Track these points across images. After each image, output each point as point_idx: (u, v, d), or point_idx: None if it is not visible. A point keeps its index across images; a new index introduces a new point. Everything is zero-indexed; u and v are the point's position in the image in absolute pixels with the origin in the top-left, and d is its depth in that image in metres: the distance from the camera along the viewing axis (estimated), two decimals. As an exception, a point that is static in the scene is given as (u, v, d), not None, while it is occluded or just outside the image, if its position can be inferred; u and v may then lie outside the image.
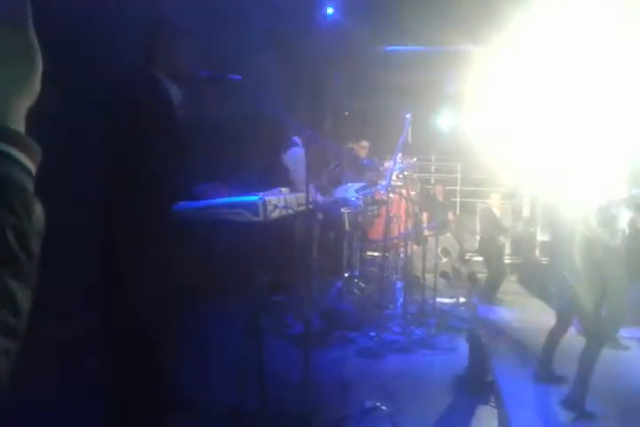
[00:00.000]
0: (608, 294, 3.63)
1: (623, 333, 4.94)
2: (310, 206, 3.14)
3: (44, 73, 0.74)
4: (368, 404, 3.36)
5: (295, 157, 5.48)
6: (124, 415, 2.69)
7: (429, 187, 9.90)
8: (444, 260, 8.33)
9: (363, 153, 7.22)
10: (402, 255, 6.48)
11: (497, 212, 7.92)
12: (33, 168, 0.70)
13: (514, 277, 8.88)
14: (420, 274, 6.39)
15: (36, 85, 0.73)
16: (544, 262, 8.03)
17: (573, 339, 4.19)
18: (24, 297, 0.66)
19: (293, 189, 5.11)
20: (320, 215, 5.27)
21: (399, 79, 8.55)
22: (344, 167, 6.88)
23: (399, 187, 5.95)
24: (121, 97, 2.83)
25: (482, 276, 8.14)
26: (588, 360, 3.59)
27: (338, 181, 6.48)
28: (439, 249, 7.44)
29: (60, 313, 3.40)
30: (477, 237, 8.54)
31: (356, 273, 6.09)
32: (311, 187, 3.29)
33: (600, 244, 3.59)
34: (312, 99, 6.84)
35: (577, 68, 5.07)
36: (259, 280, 2.94)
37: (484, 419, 3.54)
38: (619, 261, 3.61)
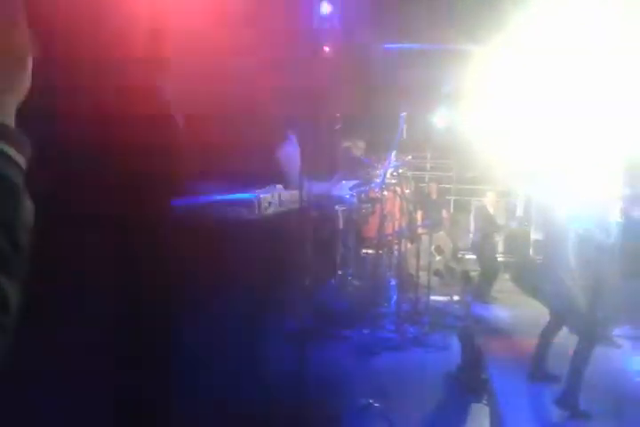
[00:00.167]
0: (601, 292, 3.64)
1: (616, 331, 4.96)
2: (304, 204, 3.13)
3: (40, 72, 0.73)
4: (362, 401, 3.36)
5: (288, 153, 5.46)
6: (124, 412, 2.68)
7: (424, 185, 9.91)
8: (438, 258, 8.33)
9: (359, 152, 7.21)
10: (396, 253, 6.48)
11: (491, 210, 7.94)
12: (23, 162, 0.69)
13: (507, 276, 8.91)
14: (413, 272, 6.40)
15: (25, 81, 0.73)
16: (538, 261, 8.06)
17: (566, 338, 4.21)
18: (12, 292, 0.65)
19: (287, 186, 5.11)
20: (315, 213, 5.25)
21: (396, 77, 8.54)
22: (340, 166, 6.87)
23: (393, 185, 5.94)
24: (119, 93, 2.81)
25: (475, 274, 8.16)
26: (580, 359, 3.60)
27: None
28: (433, 247, 7.45)
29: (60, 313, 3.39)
30: (471, 235, 8.56)
31: (350, 271, 6.09)
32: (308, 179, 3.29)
33: (594, 243, 3.59)
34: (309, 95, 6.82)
35: (573, 68, 5.08)
36: (254, 277, 2.93)
37: (476, 417, 3.56)
38: (612, 259, 3.62)
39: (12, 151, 0.67)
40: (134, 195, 2.70)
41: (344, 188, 6.05)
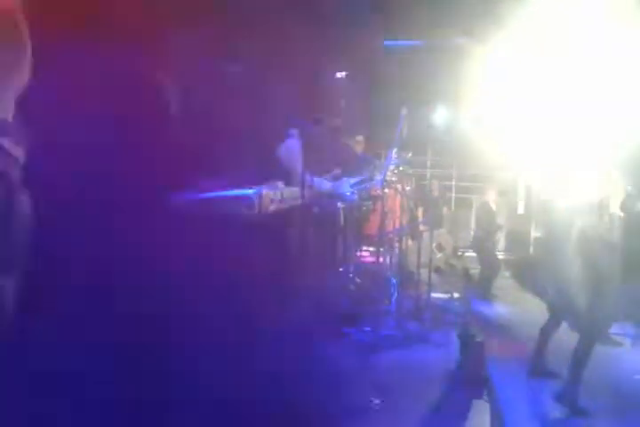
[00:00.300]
0: (603, 289, 3.64)
1: (616, 329, 4.96)
2: (306, 200, 3.13)
3: (42, 70, 0.73)
4: (363, 398, 3.36)
5: (289, 149, 5.46)
6: (124, 409, 2.69)
7: (425, 182, 9.90)
8: (439, 255, 8.34)
9: (358, 148, 7.20)
10: (396, 250, 6.48)
11: (492, 207, 7.94)
12: (20, 156, 0.68)
13: (508, 273, 8.91)
14: (414, 269, 6.40)
15: (24, 73, 0.72)
16: (538, 258, 8.05)
17: (566, 335, 4.21)
18: (8, 285, 0.64)
19: (289, 182, 5.11)
20: (315, 209, 5.25)
21: (396, 74, 8.53)
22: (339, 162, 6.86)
23: (394, 182, 5.94)
24: (118, 88, 2.81)
25: (475, 271, 8.16)
26: (581, 356, 3.60)
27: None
28: (434, 244, 7.45)
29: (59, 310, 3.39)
30: (472, 233, 8.56)
31: (351, 268, 6.09)
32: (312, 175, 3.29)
33: (597, 240, 3.59)
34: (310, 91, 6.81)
35: (574, 65, 5.06)
36: (254, 273, 2.94)
37: (477, 414, 3.56)
38: (614, 257, 3.62)
39: (9, 145, 0.67)
40: (134, 191, 2.70)
41: (345, 185, 6.04)
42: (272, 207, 2.75)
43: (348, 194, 5.92)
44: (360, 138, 7.15)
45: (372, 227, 6.37)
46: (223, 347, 3.08)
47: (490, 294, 7.26)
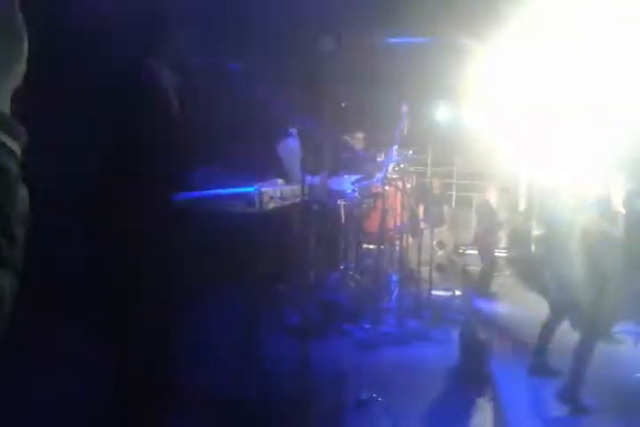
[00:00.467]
0: (606, 287, 3.63)
1: (618, 327, 4.95)
2: (306, 198, 3.12)
3: (41, 64, 0.72)
4: (363, 395, 3.36)
5: (288, 148, 5.46)
6: (123, 404, 2.68)
7: (425, 180, 9.88)
8: (440, 253, 8.33)
9: (358, 145, 7.19)
10: (397, 248, 6.47)
11: (494, 205, 7.93)
12: (17, 149, 0.67)
13: (509, 271, 8.90)
14: (415, 267, 6.39)
15: (21, 67, 0.71)
16: (540, 256, 8.05)
17: (568, 332, 4.20)
18: (6, 283, 0.63)
19: (288, 180, 5.09)
20: (316, 207, 5.25)
21: (397, 71, 8.51)
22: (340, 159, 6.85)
23: (395, 179, 5.93)
24: (117, 85, 2.80)
25: (476, 269, 8.16)
26: (582, 354, 3.59)
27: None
28: (434, 242, 7.44)
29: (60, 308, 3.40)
30: (473, 231, 8.55)
31: (352, 266, 6.09)
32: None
33: (599, 238, 3.58)
34: (309, 89, 6.80)
35: (576, 62, 5.06)
36: (255, 271, 2.93)
37: (478, 410, 3.55)
38: (617, 255, 3.61)
39: (7, 139, 0.66)
40: (134, 189, 2.69)
41: (346, 182, 6.04)
42: (271, 205, 2.74)
43: (349, 191, 5.91)
44: (360, 135, 7.14)
45: (373, 224, 6.36)
46: (232, 342, 3.08)
47: (491, 291, 7.26)
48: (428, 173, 10.75)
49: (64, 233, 3.33)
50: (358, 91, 8.78)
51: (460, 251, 9.08)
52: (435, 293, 6.19)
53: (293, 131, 5.51)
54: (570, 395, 3.55)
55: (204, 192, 2.70)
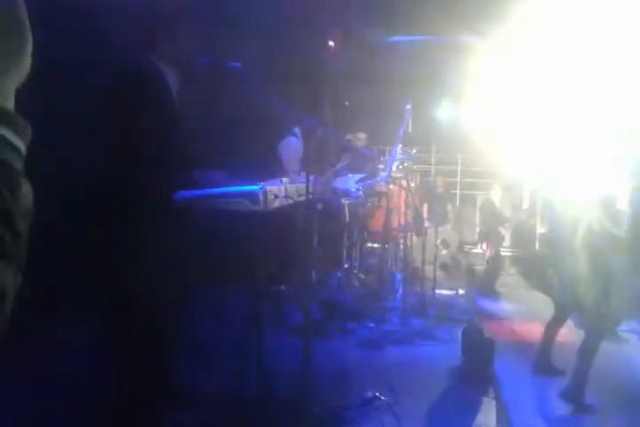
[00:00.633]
0: (610, 286, 3.62)
1: (622, 326, 4.94)
2: (310, 197, 3.11)
3: (47, 60, 0.72)
4: (368, 394, 3.35)
5: (288, 146, 5.45)
6: (123, 404, 2.69)
7: (429, 178, 9.87)
8: (444, 251, 8.32)
9: (361, 144, 7.18)
10: (401, 247, 6.47)
11: (497, 204, 7.92)
12: (22, 146, 0.67)
13: (513, 270, 8.89)
14: (419, 266, 6.39)
15: (25, 63, 0.71)
16: (544, 255, 8.03)
17: (572, 332, 4.19)
18: (10, 278, 0.63)
19: (284, 174, 5.09)
20: (320, 206, 5.25)
21: (400, 69, 8.50)
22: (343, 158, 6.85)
23: (399, 178, 5.92)
24: (119, 83, 2.80)
25: (480, 268, 8.15)
26: (587, 353, 3.58)
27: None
28: (439, 241, 7.43)
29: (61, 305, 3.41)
30: (477, 229, 8.54)
31: (356, 264, 6.09)
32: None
33: (604, 236, 3.57)
34: (311, 87, 6.80)
35: (580, 61, 5.04)
36: (259, 270, 2.92)
37: (482, 410, 3.54)
38: (623, 253, 3.60)
39: (11, 135, 0.66)
40: (135, 188, 2.69)
41: (350, 181, 6.03)
42: (276, 203, 2.74)
43: (353, 190, 5.91)
44: (362, 135, 7.13)
45: (377, 223, 6.36)
46: (234, 341, 3.08)
47: (495, 290, 7.26)
48: (432, 171, 10.77)
49: (64, 232, 3.34)
50: (361, 90, 8.77)
51: (465, 250, 9.08)
52: (439, 292, 6.19)
53: (297, 129, 5.51)
54: (574, 394, 3.54)
55: (208, 191, 2.70)
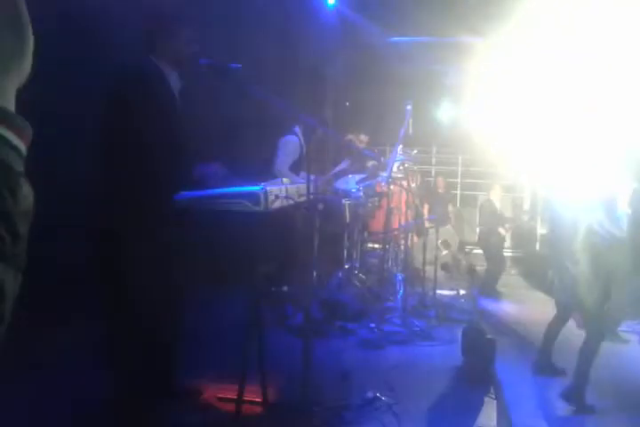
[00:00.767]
0: (610, 286, 3.62)
1: (623, 326, 4.94)
2: (311, 197, 3.11)
3: (48, 60, 0.72)
4: (368, 394, 3.35)
5: (286, 143, 5.45)
6: (123, 404, 2.69)
7: (430, 179, 9.88)
8: (445, 252, 8.33)
9: (362, 144, 7.18)
10: (402, 247, 6.47)
11: (497, 204, 7.92)
12: (23, 147, 0.67)
13: (514, 271, 8.89)
14: (420, 266, 6.39)
15: (26, 64, 0.71)
16: (544, 255, 8.03)
17: (573, 332, 4.19)
18: (10, 279, 0.63)
19: (272, 174, 5.09)
20: (321, 206, 5.25)
21: (401, 70, 8.51)
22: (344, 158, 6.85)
23: (400, 179, 5.93)
24: (121, 84, 2.80)
25: (481, 268, 8.15)
26: (588, 353, 3.58)
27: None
28: (439, 241, 7.43)
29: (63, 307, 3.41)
30: (477, 230, 8.55)
31: (357, 265, 6.09)
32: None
33: (605, 237, 3.57)
34: (312, 87, 6.81)
35: (580, 61, 5.04)
36: (259, 270, 2.93)
37: (483, 410, 3.54)
38: (623, 253, 3.60)
39: (11, 136, 0.65)
40: (136, 189, 2.70)
41: (350, 182, 6.04)
42: (277, 204, 2.74)
43: (354, 191, 5.92)
44: (363, 137, 7.13)
45: (378, 224, 6.36)
46: (236, 341, 3.08)
47: (496, 290, 7.25)
48: (433, 172, 10.79)
49: (64, 232, 3.34)
50: (362, 90, 8.77)
51: (467, 250, 9.08)
52: (440, 292, 6.19)
53: (297, 129, 5.51)
54: (575, 394, 3.54)
55: (209, 191, 2.70)
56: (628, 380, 4.03)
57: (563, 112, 4.49)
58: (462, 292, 6.68)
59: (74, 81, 3.56)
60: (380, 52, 8.27)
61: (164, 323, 2.80)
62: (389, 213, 5.36)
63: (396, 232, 6.41)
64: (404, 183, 5.93)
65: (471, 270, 8.35)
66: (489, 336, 4.18)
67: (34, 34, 0.72)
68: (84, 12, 3.66)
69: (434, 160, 11.16)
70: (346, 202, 5.88)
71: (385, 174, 5.57)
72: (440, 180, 9.46)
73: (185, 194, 2.65)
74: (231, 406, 2.86)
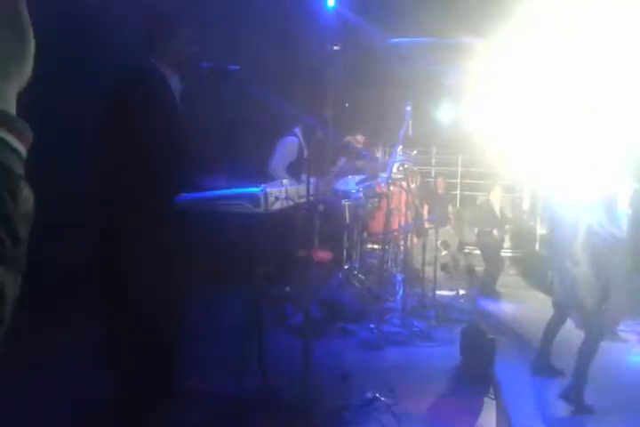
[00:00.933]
0: (609, 287, 3.62)
1: (621, 326, 4.95)
2: (311, 198, 3.12)
3: (48, 60, 0.72)
4: (368, 395, 3.36)
5: (285, 144, 5.45)
6: (123, 404, 2.69)
7: (430, 180, 9.88)
8: (444, 252, 8.33)
9: (361, 145, 7.19)
10: (402, 248, 6.47)
11: (497, 205, 7.92)
12: (23, 150, 0.67)
13: (513, 271, 8.89)
14: (419, 267, 6.39)
15: (27, 67, 0.71)
16: (544, 255, 8.04)
17: (572, 332, 4.19)
18: (10, 282, 0.63)
19: (268, 174, 5.09)
20: (321, 207, 5.25)
21: (401, 71, 8.51)
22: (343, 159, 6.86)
23: (400, 179, 5.93)
24: (121, 84, 2.81)
25: (480, 269, 8.15)
26: (586, 353, 3.58)
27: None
28: (439, 242, 7.44)
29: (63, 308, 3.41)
30: (476, 230, 8.55)
31: (356, 265, 6.09)
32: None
33: (604, 237, 3.57)
34: (312, 88, 6.81)
35: (579, 61, 5.04)
36: (259, 271, 2.93)
37: (482, 411, 3.55)
38: (622, 253, 3.60)
39: (11, 139, 0.65)
40: (136, 189, 2.70)
41: (350, 182, 6.04)
42: (277, 205, 2.75)
43: (354, 192, 5.92)
44: (360, 137, 7.13)
45: (378, 224, 6.36)
46: (236, 341, 3.08)
47: (495, 291, 7.26)
48: (433, 172, 10.79)
49: (64, 232, 3.34)
50: (361, 91, 8.77)
51: (466, 251, 9.09)
52: (439, 292, 6.19)
53: (297, 130, 5.51)
54: (574, 394, 3.54)
55: (209, 193, 2.70)
56: (628, 380, 4.03)
57: (563, 112, 4.49)
58: (462, 292, 6.69)
59: (74, 81, 3.57)
60: (379, 53, 8.28)
61: (163, 323, 2.79)
62: (389, 213, 5.36)
63: (395, 233, 6.41)
64: (404, 184, 5.93)
65: (470, 271, 8.35)
66: (488, 336, 4.18)
67: (34, 36, 0.72)
68: (84, 12, 3.67)
69: (433, 161, 11.17)
70: (345, 203, 5.88)
71: (385, 175, 5.57)
72: (440, 180, 9.46)
73: (185, 196, 2.65)
74: (231, 407, 2.87)
